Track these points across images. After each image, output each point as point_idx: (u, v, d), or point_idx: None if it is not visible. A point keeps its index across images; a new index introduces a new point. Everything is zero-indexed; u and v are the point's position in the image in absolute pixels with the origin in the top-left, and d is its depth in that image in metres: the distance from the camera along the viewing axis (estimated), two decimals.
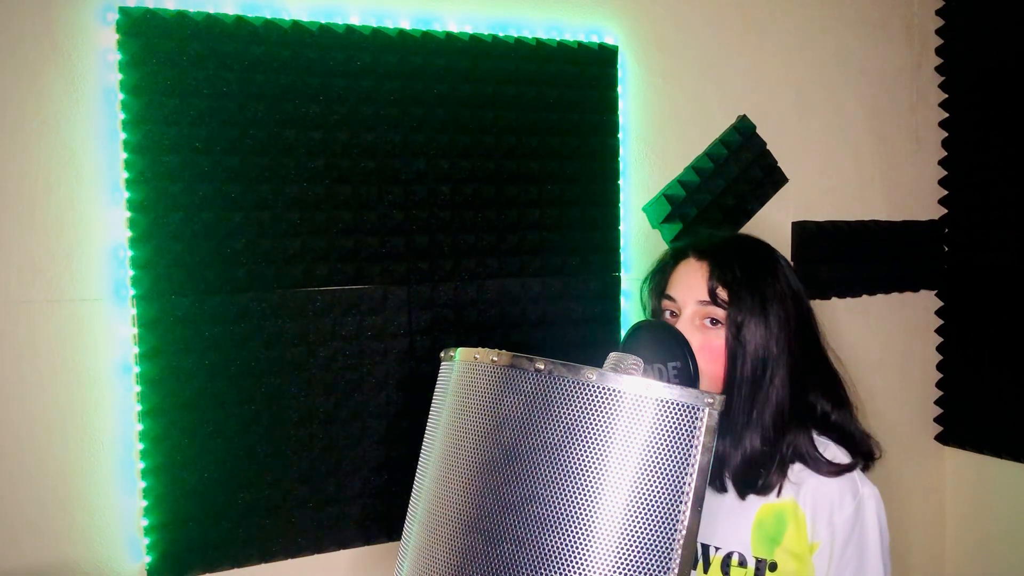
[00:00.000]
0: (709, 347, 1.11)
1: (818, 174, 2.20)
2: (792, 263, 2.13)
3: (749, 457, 1.10)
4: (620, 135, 1.89)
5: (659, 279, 1.22)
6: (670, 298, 1.17)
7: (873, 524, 1.10)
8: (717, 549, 1.13)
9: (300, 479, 1.61)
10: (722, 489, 1.14)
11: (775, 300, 1.12)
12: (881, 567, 1.11)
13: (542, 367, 0.79)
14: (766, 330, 1.10)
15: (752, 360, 1.09)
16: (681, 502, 0.75)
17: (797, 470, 1.12)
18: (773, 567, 1.10)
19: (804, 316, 1.17)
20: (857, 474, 1.12)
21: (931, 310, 2.41)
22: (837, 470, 1.11)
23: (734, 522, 1.13)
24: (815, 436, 1.15)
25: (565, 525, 0.74)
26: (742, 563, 1.11)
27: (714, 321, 1.12)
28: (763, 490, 1.11)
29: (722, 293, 1.11)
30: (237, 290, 1.55)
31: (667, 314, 1.19)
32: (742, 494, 1.12)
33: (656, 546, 0.74)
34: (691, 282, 1.15)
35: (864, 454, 1.17)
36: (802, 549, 1.10)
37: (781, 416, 1.10)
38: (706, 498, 1.12)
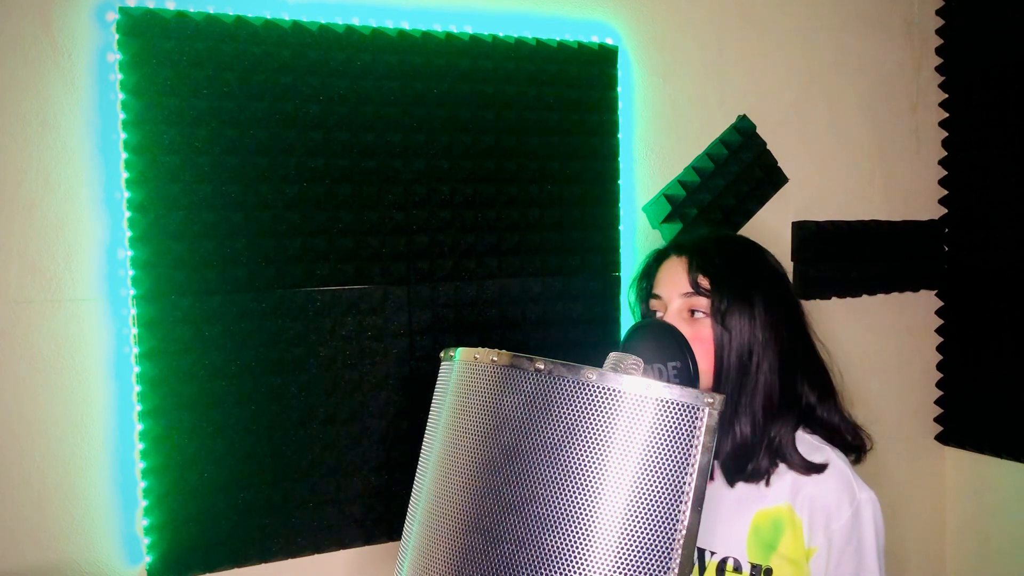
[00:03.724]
0: (698, 338, 1.11)
1: (818, 174, 2.20)
2: (792, 263, 2.15)
3: (739, 445, 1.10)
4: (620, 135, 1.89)
5: (644, 283, 1.23)
6: (656, 297, 1.18)
7: (870, 529, 1.10)
8: (713, 554, 1.13)
9: (300, 479, 1.61)
10: (710, 477, 1.14)
11: (759, 288, 1.13)
12: (878, 571, 1.10)
13: (542, 367, 0.79)
14: (751, 317, 1.11)
15: (739, 347, 1.10)
16: (681, 502, 0.75)
17: (781, 470, 1.12)
18: (768, 573, 1.09)
19: (790, 304, 1.17)
20: (854, 478, 1.12)
21: (931, 310, 2.41)
22: (812, 469, 1.11)
23: (730, 527, 1.13)
24: (804, 433, 1.15)
25: (565, 525, 0.74)
26: (737, 568, 1.11)
27: (699, 312, 1.13)
28: (752, 477, 1.11)
29: (703, 282, 1.12)
30: (237, 290, 1.55)
31: (655, 314, 1.19)
32: (731, 481, 1.12)
33: (656, 546, 0.74)
34: (674, 277, 1.16)
35: (855, 448, 1.17)
36: (798, 554, 1.10)
37: (771, 403, 1.10)
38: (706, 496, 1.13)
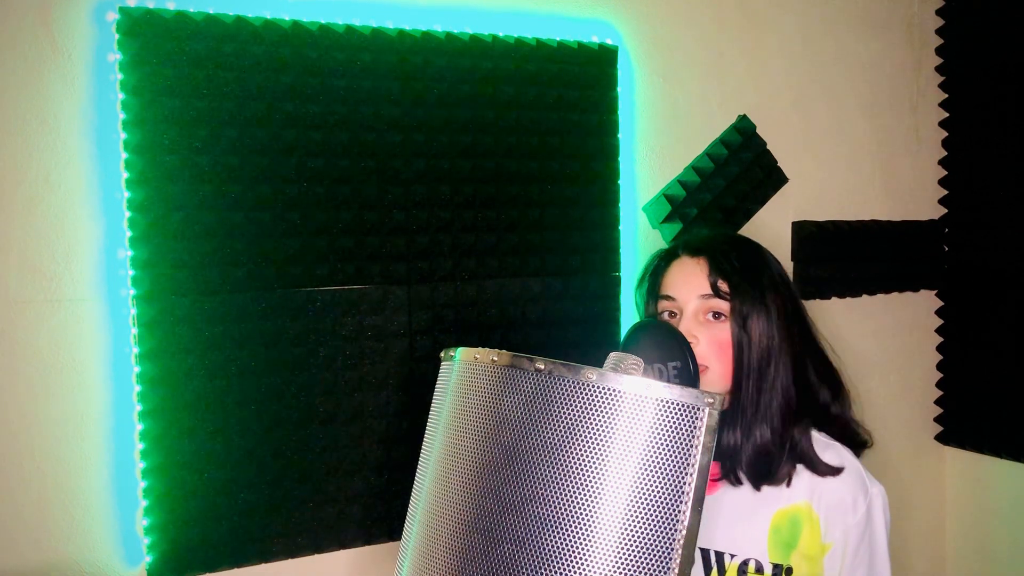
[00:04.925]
0: (716, 341, 1.11)
1: (818, 174, 2.20)
2: (792, 263, 2.15)
3: (760, 448, 1.11)
4: (620, 135, 1.89)
5: (652, 282, 1.23)
6: (668, 298, 1.17)
7: (880, 522, 1.12)
8: (733, 556, 1.13)
9: (300, 479, 1.61)
10: (737, 482, 1.14)
11: (770, 289, 1.14)
12: (888, 563, 1.12)
13: (542, 367, 0.79)
14: (767, 319, 1.12)
15: (758, 350, 1.11)
16: (681, 502, 0.75)
17: (800, 469, 1.13)
18: (789, 572, 1.10)
19: (796, 304, 1.19)
20: (865, 473, 1.13)
21: (931, 310, 2.41)
22: (834, 471, 1.12)
23: (749, 528, 1.13)
24: (817, 435, 1.16)
25: (565, 525, 0.74)
26: (759, 570, 1.11)
27: (717, 315, 1.13)
28: (776, 480, 1.12)
29: (723, 285, 1.12)
30: (237, 290, 1.55)
31: (665, 315, 1.19)
32: (756, 485, 1.12)
33: (656, 546, 0.74)
34: (690, 279, 1.15)
35: (859, 444, 1.19)
36: (815, 551, 1.10)
37: (788, 404, 1.11)
38: (723, 499, 1.14)
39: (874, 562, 1.12)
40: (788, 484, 1.12)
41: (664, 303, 1.19)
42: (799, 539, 1.11)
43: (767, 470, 1.11)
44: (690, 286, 1.15)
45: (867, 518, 1.11)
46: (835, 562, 1.11)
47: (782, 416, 1.11)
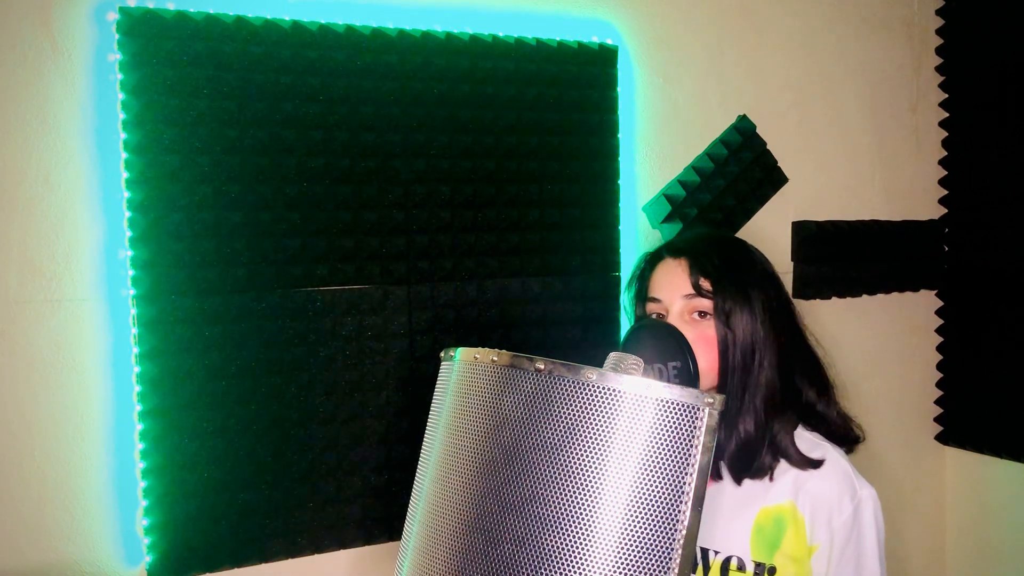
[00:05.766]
0: (703, 339, 1.12)
1: (818, 174, 2.20)
2: (792, 263, 2.15)
3: (743, 442, 1.11)
4: (620, 135, 1.89)
5: (639, 286, 1.23)
6: (655, 300, 1.18)
7: (871, 526, 1.11)
8: (716, 553, 1.13)
9: (300, 479, 1.61)
10: (717, 476, 1.15)
11: (755, 285, 1.14)
12: (878, 568, 1.11)
13: (542, 367, 0.78)
14: (752, 315, 1.12)
15: (742, 346, 1.11)
16: (681, 502, 0.75)
17: (783, 464, 1.13)
18: (772, 571, 1.10)
19: (784, 301, 1.19)
20: (855, 475, 1.13)
21: (931, 310, 2.41)
22: (812, 464, 1.12)
23: (733, 526, 1.13)
24: (803, 431, 1.16)
25: (565, 525, 0.74)
26: (741, 567, 1.11)
27: (702, 313, 1.13)
28: (757, 473, 1.12)
29: (705, 284, 1.13)
30: (237, 290, 1.55)
31: (653, 316, 1.19)
32: (738, 479, 1.13)
33: (656, 546, 0.74)
34: (673, 280, 1.16)
35: (851, 440, 1.18)
36: (801, 552, 1.10)
37: (772, 399, 1.11)
38: (709, 496, 1.14)
39: (861, 565, 1.11)
40: (771, 478, 1.12)
41: (651, 305, 1.19)
42: (783, 540, 1.10)
43: (748, 463, 1.11)
44: (673, 286, 1.15)
45: (854, 519, 1.10)
46: (822, 563, 1.10)
47: (765, 410, 1.11)
